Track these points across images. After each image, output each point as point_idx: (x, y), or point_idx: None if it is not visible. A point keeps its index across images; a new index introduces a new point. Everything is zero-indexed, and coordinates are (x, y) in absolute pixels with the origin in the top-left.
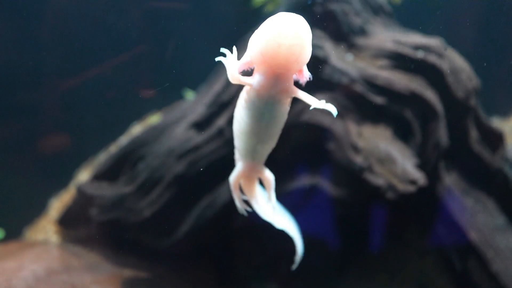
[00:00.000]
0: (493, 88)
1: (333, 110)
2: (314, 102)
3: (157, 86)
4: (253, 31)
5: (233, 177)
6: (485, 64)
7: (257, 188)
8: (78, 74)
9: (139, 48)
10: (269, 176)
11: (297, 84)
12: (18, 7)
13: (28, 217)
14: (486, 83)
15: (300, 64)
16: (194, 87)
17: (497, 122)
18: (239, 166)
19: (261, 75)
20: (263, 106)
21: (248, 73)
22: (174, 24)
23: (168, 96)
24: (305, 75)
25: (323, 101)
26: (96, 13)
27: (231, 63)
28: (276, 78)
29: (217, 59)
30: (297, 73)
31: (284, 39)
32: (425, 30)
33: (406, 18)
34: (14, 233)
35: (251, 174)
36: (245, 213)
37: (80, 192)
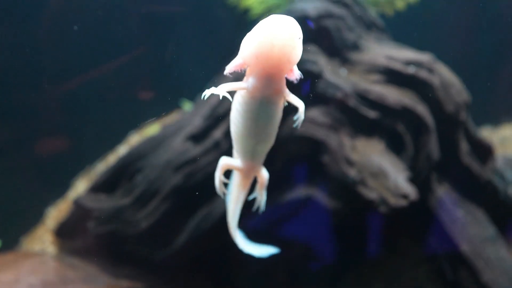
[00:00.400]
0: (483, 98)
1: (301, 117)
2: (300, 107)
3: (155, 94)
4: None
5: (225, 163)
6: (475, 75)
7: (248, 188)
8: (74, 79)
9: (138, 50)
10: (265, 174)
11: (288, 83)
12: (16, 9)
13: (25, 226)
14: (476, 93)
15: (292, 64)
16: (191, 96)
17: (487, 131)
18: (238, 163)
19: (254, 77)
20: (258, 108)
21: (238, 77)
22: (172, 33)
23: (166, 106)
24: (296, 74)
25: (302, 110)
26: (94, 19)
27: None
28: (269, 79)
29: (205, 92)
30: (288, 73)
31: (277, 39)
32: (416, 42)
33: (398, 30)
34: (11, 242)
35: (250, 173)
36: (222, 196)
37: (78, 204)
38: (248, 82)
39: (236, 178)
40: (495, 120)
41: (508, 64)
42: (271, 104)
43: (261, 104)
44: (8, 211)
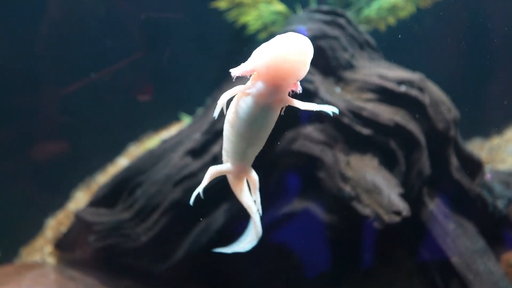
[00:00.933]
0: (474, 111)
1: (334, 109)
2: (313, 106)
3: (154, 106)
4: (247, 55)
5: (214, 171)
6: (465, 89)
7: (246, 188)
8: (75, 86)
9: (137, 55)
10: (254, 176)
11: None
12: (16, 13)
13: (24, 237)
14: (467, 106)
15: (298, 78)
16: (190, 108)
17: (478, 142)
18: (228, 166)
19: (261, 83)
20: (258, 113)
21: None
22: (171, 48)
23: (165, 118)
24: (299, 87)
25: (323, 106)
26: (93, 33)
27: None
28: (275, 88)
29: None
30: (292, 85)
31: (290, 55)
32: (407, 56)
33: (389, 45)
34: (10, 253)
35: (240, 174)
36: (191, 202)
37: (78, 218)
38: (254, 87)
39: (230, 182)
40: (485, 132)
41: (496, 78)
42: (271, 111)
43: (262, 110)
44: (8, 222)
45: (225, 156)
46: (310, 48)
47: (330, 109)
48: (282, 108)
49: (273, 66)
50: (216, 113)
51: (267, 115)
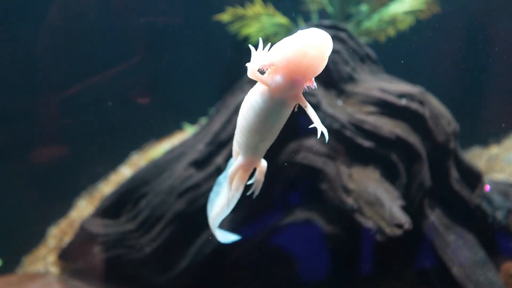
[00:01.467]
0: (473, 120)
1: (325, 131)
2: (315, 118)
3: (157, 114)
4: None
5: (232, 171)
6: (466, 99)
7: (246, 180)
8: (74, 91)
9: (137, 60)
10: (264, 164)
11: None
12: (15, 16)
13: (26, 246)
14: (467, 116)
15: (316, 74)
16: (192, 117)
17: (477, 152)
18: (239, 160)
19: (279, 77)
20: (273, 107)
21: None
22: (175, 59)
23: (167, 126)
24: (314, 83)
25: (320, 124)
26: (94, 45)
27: (257, 59)
28: (292, 83)
29: (250, 46)
30: (309, 81)
31: (311, 50)
32: (407, 67)
33: (390, 56)
34: (12, 262)
35: (250, 167)
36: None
37: (83, 229)
38: (272, 80)
39: (233, 171)
40: (484, 141)
41: (495, 89)
42: (285, 107)
43: (277, 105)
44: (9, 230)
45: (236, 147)
46: (330, 44)
47: (322, 130)
48: (295, 105)
49: (293, 60)
50: (252, 49)
51: (281, 110)
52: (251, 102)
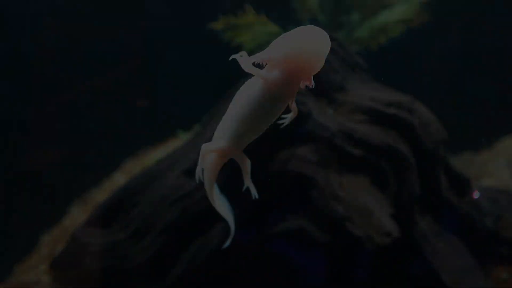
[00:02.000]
0: (463, 125)
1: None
2: (293, 113)
3: (151, 121)
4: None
5: (207, 149)
6: (458, 104)
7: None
8: (68, 97)
9: (131, 65)
10: (246, 159)
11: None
12: (13, 21)
13: (18, 254)
14: (458, 121)
15: (313, 72)
16: (186, 124)
17: (468, 156)
18: (220, 143)
19: (277, 72)
20: (268, 102)
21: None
22: (168, 66)
23: (161, 133)
24: (312, 82)
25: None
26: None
27: (245, 60)
28: (290, 79)
29: (232, 57)
30: (306, 79)
31: (308, 46)
32: (399, 74)
33: (379, 65)
34: (3, 270)
35: (226, 155)
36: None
37: (74, 238)
38: (270, 74)
39: (208, 159)
40: (474, 146)
41: (487, 94)
42: (280, 102)
43: (272, 99)
44: (1, 238)
45: (220, 134)
46: (329, 41)
47: (292, 117)
48: (290, 103)
49: (290, 56)
50: (241, 60)
51: (275, 104)
52: (248, 91)
